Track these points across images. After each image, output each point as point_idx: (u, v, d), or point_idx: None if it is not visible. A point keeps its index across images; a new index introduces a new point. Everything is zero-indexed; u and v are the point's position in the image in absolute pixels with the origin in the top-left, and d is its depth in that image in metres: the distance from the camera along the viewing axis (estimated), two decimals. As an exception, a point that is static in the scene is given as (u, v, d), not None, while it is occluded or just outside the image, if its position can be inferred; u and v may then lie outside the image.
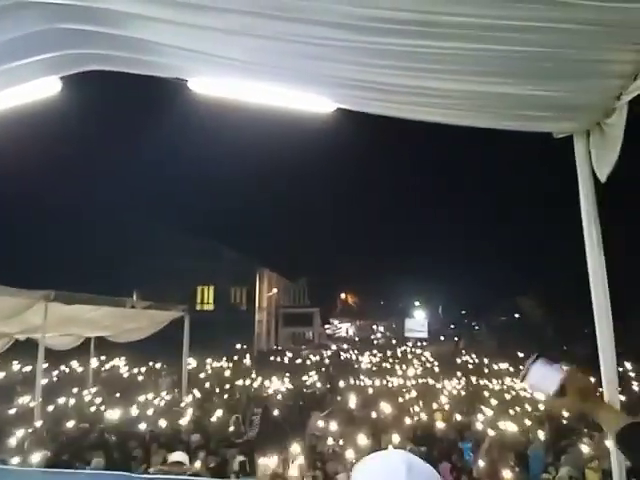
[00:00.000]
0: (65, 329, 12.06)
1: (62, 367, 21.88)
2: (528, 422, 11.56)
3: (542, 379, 2.04)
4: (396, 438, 9.32)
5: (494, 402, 14.60)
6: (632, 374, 22.46)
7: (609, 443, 3.35)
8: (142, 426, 10.99)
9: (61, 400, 13.76)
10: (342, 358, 35.68)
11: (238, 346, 36.38)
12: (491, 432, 10.11)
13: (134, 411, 12.46)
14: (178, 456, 7.35)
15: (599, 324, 3.24)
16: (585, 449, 8.80)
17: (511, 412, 12.74)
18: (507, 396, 16.76)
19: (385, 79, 2.88)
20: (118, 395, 15.34)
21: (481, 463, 7.99)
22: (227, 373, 23.18)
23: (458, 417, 12.25)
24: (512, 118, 3.06)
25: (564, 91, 2.76)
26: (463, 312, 74.56)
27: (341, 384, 18.78)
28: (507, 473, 7.28)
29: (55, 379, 19.76)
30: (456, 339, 60.88)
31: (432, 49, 2.42)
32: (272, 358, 34.65)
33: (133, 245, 41.23)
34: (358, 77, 2.93)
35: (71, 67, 3.34)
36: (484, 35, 2.28)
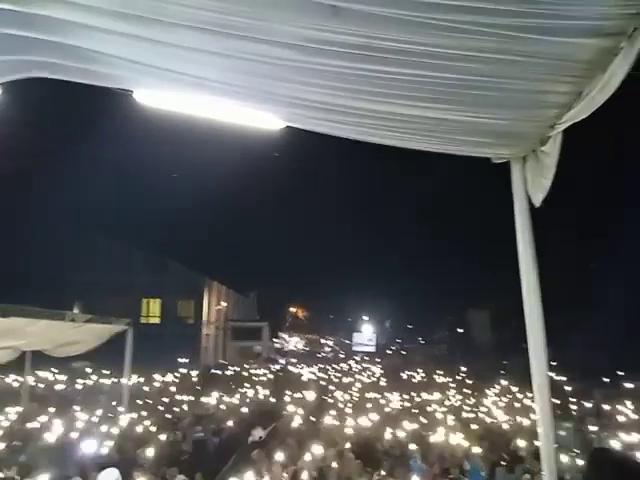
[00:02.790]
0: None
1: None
2: (467, 436, 11.80)
3: None
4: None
5: (437, 416, 14.83)
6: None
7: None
8: (78, 444, 10.53)
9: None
10: (290, 372, 35.45)
11: (184, 360, 35.60)
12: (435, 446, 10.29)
13: (70, 429, 11.94)
14: (109, 475, 6.71)
15: (532, 339, 3.38)
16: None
17: (451, 426, 12.95)
18: (448, 410, 17.05)
19: (334, 100, 2.93)
20: (54, 412, 14.65)
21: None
22: (172, 388, 22.57)
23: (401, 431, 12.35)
24: (453, 143, 3.18)
25: (503, 119, 2.88)
26: (409, 327, 75.88)
27: (287, 399, 18.62)
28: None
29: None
30: (403, 353, 61.83)
31: (376, 73, 2.49)
32: (219, 372, 34.03)
33: (77, 258, 39.88)
34: (307, 97, 2.98)
35: (11, 73, 3.23)
36: (426, 62, 2.37)
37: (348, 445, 10.53)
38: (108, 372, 24.52)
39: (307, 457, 8.85)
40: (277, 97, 3.01)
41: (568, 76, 2.46)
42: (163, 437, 11.16)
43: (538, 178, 3.00)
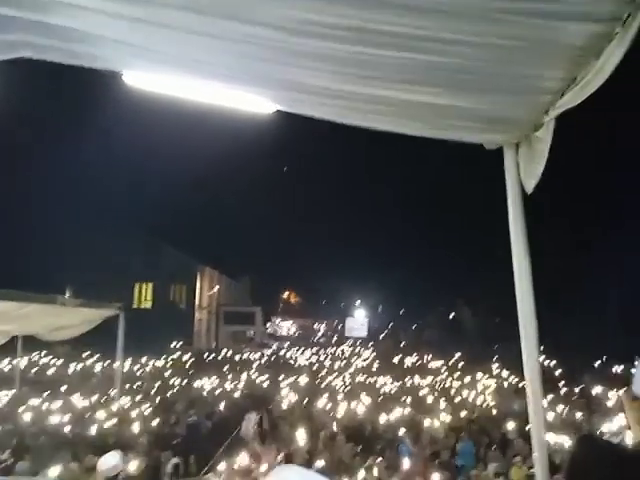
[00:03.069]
0: (-11, 327, 11.41)
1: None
2: (458, 419, 11.95)
3: None
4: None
5: (429, 400, 14.99)
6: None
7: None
8: (71, 428, 10.58)
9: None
10: (282, 357, 35.65)
11: (177, 345, 35.70)
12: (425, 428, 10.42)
13: (64, 412, 11.97)
14: (111, 459, 6.76)
15: (523, 325, 3.40)
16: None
17: (442, 409, 13.10)
18: (440, 394, 17.23)
19: (326, 83, 2.89)
20: (47, 396, 14.69)
21: (406, 463, 8.11)
22: (164, 373, 22.66)
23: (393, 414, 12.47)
24: (445, 128, 3.15)
25: (495, 104, 2.86)
26: (401, 312, 76.22)
27: (280, 383, 18.75)
28: (437, 469, 7.48)
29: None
30: (395, 338, 62.20)
31: (368, 56, 2.45)
32: (212, 357, 34.16)
33: (68, 242, 39.56)
34: (299, 80, 2.93)
35: (-1, 54, 3.16)
36: (419, 45, 2.33)
37: (340, 429, 10.65)
38: (101, 356, 24.58)
39: (300, 440, 8.93)
40: (267, 80, 2.96)
41: (562, 62, 2.42)
42: (156, 420, 11.23)
43: (531, 164, 2.99)
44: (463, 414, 12.81)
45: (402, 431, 10.43)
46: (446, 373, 25.40)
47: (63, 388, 16.50)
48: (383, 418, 11.84)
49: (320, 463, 8.03)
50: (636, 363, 2.18)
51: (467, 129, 3.10)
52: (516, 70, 2.52)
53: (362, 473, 7.55)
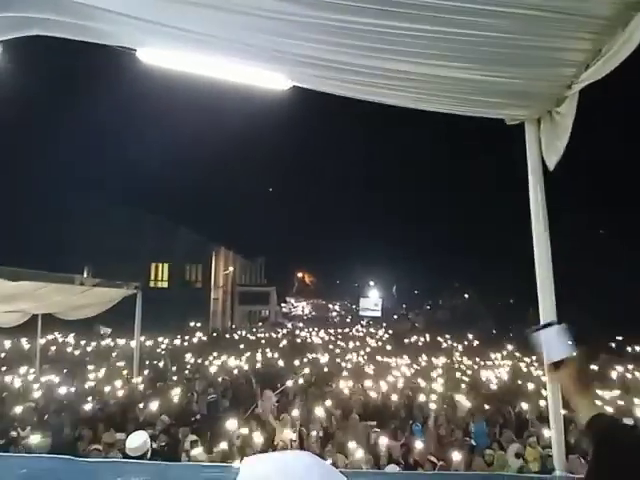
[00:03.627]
0: (10, 306, 11.60)
1: (6, 344, 21.23)
2: (471, 399, 11.96)
3: (552, 343, 2.00)
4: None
5: (441, 380, 15.02)
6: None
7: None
8: (90, 405, 10.78)
9: (4, 378, 13.37)
10: (297, 336, 35.92)
11: (193, 324, 36.13)
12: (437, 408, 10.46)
13: (82, 390, 12.21)
14: (138, 438, 6.75)
15: (542, 304, 3.34)
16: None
17: (457, 389, 13.12)
18: (455, 374, 17.26)
19: (343, 58, 2.82)
20: (66, 373, 14.98)
21: (419, 444, 8.14)
22: (181, 351, 22.95)
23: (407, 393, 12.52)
24: (466, 103, 3.07)
25: (517, 78, 2.78)
26: (416, 292, 76.26)
27: (295, 362, 18.90)
28: (453, 448, 7.51)
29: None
30: (409, 318, 62.38)
31: (389, 29, 2.38)
32: (227, 336, 34.54)
33: (85, 222, 39.97)
34: (316, 55, 2.86)
35: (11, 31, 3.12)
36: (440, 17, 2.26)
37: (354, 407, 10.72)
38: (119, 335, 24.95)
39: (314, 418, 9.02)
40: (284, 55, 2.90)
41: (586, 33, 2.34)
42: (175, 398, 11.39)
43: (553, 140, 2.91)
44: (477, 394, 12.82)
45: (418, 410, 10.49)
46: (460, 353, 25.42)
47: (82, 366, 16.79)
48: (397, 397, 11.90)
49: (333, 441, 8.10)
50: (535, 333, 2.02)
51: (488, 104, 3.02)
52: (540, 42, 2.44)
53: (360, 453, 7.46)
